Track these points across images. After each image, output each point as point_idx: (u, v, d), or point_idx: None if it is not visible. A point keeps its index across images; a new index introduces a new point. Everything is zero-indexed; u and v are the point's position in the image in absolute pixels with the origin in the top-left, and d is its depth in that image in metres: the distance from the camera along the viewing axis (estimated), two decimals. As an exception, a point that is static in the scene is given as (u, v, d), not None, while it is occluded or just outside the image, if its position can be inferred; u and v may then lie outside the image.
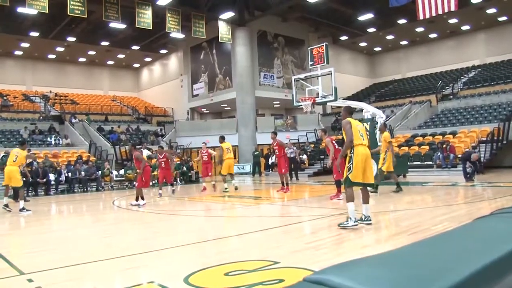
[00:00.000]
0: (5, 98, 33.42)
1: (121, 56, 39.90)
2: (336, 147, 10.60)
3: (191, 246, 5.97)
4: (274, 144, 13.93)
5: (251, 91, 30.63)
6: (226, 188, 14.95)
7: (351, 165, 6.23)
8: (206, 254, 5.38)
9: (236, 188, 15.13)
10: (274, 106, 36.32)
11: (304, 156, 24.39)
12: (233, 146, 24.82)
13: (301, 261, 4.59)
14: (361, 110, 18.79)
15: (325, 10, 30.47)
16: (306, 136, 28.55)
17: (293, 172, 20.80)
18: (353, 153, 6.32)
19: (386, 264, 1.12)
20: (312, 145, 27.42)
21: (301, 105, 18.14)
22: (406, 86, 36.41)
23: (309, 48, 18.67)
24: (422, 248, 1.31)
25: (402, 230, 6.38)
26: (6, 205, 11.74)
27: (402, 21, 31.63)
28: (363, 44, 39.82)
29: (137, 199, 11.84)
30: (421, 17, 22.11)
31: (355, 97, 34.44)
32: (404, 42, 39.28)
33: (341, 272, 1.04)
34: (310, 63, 17.90)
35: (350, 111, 6.98)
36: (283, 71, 33.88)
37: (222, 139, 15.13)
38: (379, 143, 17.35)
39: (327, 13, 31.07)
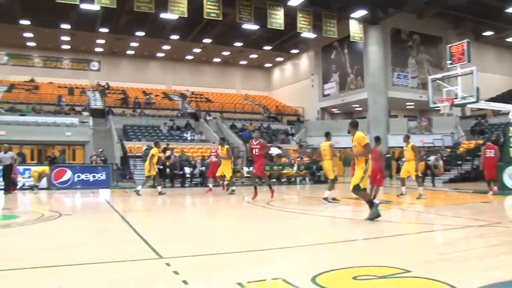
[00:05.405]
0: (148, 96, 36.73)
1: (253, 56, 41.32)
2: (487, 155, 12.60)
3: (318, 246, 5.94)
4: (255, 143, 13.04)
5: (383, 91, 29.76)
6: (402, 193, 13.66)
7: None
8: (334, 256, 5.30)
9: (418, 197, 12.91)
10: (407, 107, 34.91)
11: (440, 162, 22.89)
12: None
13: (435, 272, 4.27)
14: (507, 113, 17.24)
15: (466, 4, 28.19)
16: (442, 139, 26.86)
17: (425, 178, 19.69)
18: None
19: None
20: (449, 150, 25.67)
21: (438, 107, 17.17)
22: None
23: (447, 46, 17.58)
24: None
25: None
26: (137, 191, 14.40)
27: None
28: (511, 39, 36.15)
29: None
30: None
31: (500, 98, 31.40)
32: None
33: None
34: (448, 62, 16.99)
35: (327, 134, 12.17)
36: (418, 70, 32.38)
37: (407, 137, 13.98)
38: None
39: (468, 7, 28.75)
